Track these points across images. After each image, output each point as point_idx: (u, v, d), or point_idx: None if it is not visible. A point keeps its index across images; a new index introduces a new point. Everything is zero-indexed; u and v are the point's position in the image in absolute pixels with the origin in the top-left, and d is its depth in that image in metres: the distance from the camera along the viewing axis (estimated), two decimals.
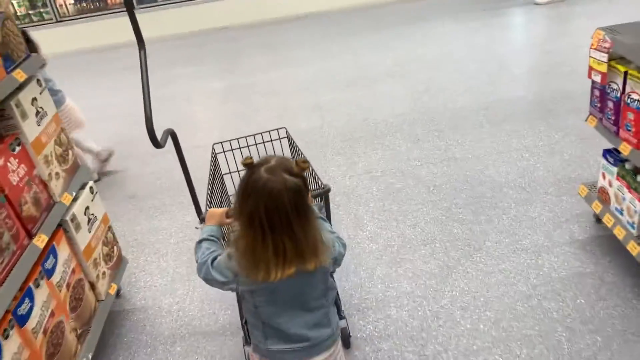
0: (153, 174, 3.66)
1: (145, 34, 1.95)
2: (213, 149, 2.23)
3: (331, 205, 2.93)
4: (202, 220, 1.67)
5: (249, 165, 1.26)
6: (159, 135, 1.79)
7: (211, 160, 2.16)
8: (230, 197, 2.28)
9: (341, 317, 2.02)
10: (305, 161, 1.26)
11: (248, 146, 2.17)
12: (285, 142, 2.25)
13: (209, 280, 1.37)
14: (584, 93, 2.41)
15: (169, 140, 1.92)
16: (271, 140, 2.21)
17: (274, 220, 1.19)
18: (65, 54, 6.57)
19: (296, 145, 2.20)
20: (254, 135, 2.25)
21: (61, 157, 2.08)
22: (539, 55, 4.84)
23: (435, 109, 3.94)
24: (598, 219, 2.50)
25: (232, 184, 2.28)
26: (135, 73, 2.17)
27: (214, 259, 1.36)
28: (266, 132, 2.25)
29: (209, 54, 6.16)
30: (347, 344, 2.08)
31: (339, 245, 1.42)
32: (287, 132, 2.27)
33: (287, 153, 2.21)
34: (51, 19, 7.24)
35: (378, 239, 2.67)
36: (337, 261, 1.41)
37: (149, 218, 3.17)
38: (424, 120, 3.80)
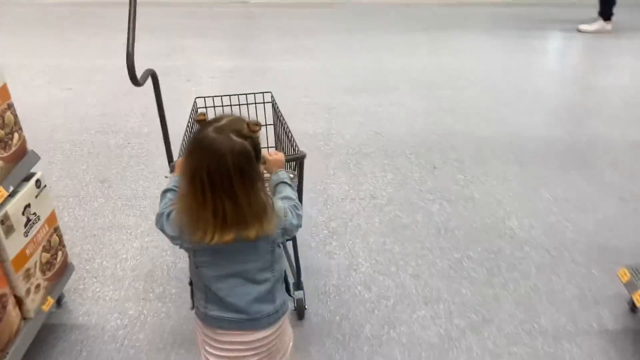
0: (133, 157, 3.25)
1: None
2: (195, 102, 2.21)
3: (324, 232, 2.58)
4: (172, 169, 1.61)
5: (201, 122, 1.23)
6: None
7: (191, 113, 2.16)
8: None
9: (299, 288, 2.05)
10: (257, 123, 1.22)
11: (231, 105, 2.18)
12: (269, 107, 2.26)
13: (162, 231, 1.33)
14: (626, 144, 1.99)
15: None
16: (255, 103, 2.21)
17: (215, 181, 1.15)
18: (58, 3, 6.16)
19: (280, 114, 2.16)
20: (238, 95, 2.24)
21: (1, 142, 1.67)
22: (578, 90, 4.40)
23: (458, 134, 3.52)
24: (633, 307, 2.11)
25: None
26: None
27: (170, 211, 1.31)
28: (251, 94, 2.22)
29: (221, 29, 5.68)
30: (301, 315, 2.08)
31: (292, 215, 1.34)
32: (272, 96, 2.26)
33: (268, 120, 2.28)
34: None
35: (372, 286, 2.27)
36: (287, 232, 1.34)
37: (115, 211, 2.77)
38: (444, 145, 3.38)
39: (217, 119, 1.21)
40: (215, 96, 2.19)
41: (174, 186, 1.38)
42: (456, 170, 3.11)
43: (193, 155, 1.19)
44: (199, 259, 1.30)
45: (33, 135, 2.25)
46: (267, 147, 2.29)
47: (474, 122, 3.70)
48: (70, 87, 4.22)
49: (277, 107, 2.21)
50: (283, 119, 2.12)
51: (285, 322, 1.43)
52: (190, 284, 1.54)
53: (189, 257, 1.37)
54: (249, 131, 1.20)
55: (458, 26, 5.77)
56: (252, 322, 1.33)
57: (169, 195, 1.38)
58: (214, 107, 2.09)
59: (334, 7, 6.47)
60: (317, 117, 3.75)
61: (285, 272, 1.43)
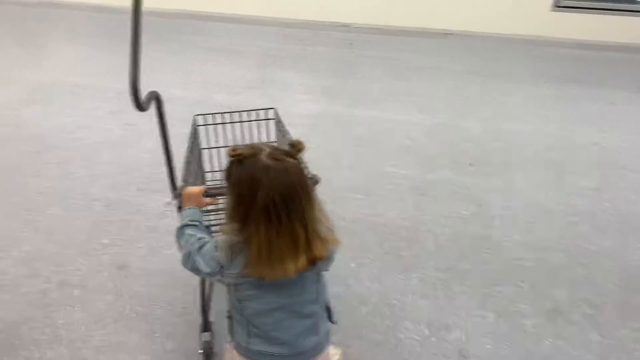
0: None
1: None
2: (194, 119, 2.03)
3: None
4: (176, 196, 1.56)
5: (238, 155, 1.18)
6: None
7: (191, 132, 1.97)
8: (206, 175, 2.23)
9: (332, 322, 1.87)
10: (300, 142, 1.21)
11: (232, 122, 2.08)
12: (272, 124, 2.12)
13: (195, 270, 1.31)
14: None
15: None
16: (257, 120, 2.09)
17: (290, 208, 1.14)
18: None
19: (285, 131, 1.98)
20: (239, 112, 2.10)
21: None
22: None
23: (600, 260, 2.52)
24: None
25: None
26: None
27: (200, 247, 1.29)
28: (253, 110, 2.07)
29: (314, 58, 4.91)
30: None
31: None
32: (276, 113, 2.09)
33: (270, 137, 2.12)
34: None
35: None
36: (331, 258, 1.31)
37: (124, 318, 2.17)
38: (575, 276, 2.42)
39: (258, 150, 1.19)
40: (216, 113, 2.09)
41: (190, 220, 1.38)
42: (589, 325, 2.17)
43: (258, 191, 1.13)
44: (243, 293, 1.27)
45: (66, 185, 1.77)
46: None
47: (624, 240, 2.67)
48: (133, 123, 3.59)
49: (282, 125, 2.03)
50: (289, 137, 1.95)
51: (327, 352, 1.40)
52: (229, 317, 1.42)
53: (228, 291, 1.35)
54: (295, 151, 1.20)
55: (608, 83, 4.55)
56: (296, 357, 1.31)
57: (187, 231, 1.36)
58: (215, 124, 2.06)
59: (449, 38, 5.49)
60: (404, 198, 2.93)
61: (327, 299, 1.39)
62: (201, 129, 2.08)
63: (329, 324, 1.42)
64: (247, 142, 2.04)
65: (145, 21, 1.43)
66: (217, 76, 4.33)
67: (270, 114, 2.10)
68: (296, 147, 1.20)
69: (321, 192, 1.41)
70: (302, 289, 1.29)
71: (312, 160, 1.49)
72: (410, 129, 3.66)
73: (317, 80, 4.46)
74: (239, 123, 2.10)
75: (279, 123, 2.07)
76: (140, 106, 1.42)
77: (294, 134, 1.60)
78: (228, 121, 2.11)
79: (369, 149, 3.42)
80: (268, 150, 1.18)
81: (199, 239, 1.32)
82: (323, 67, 4.73)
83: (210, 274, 1.27)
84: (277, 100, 4.06)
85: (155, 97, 1.60)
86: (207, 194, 1.48)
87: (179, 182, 1.72)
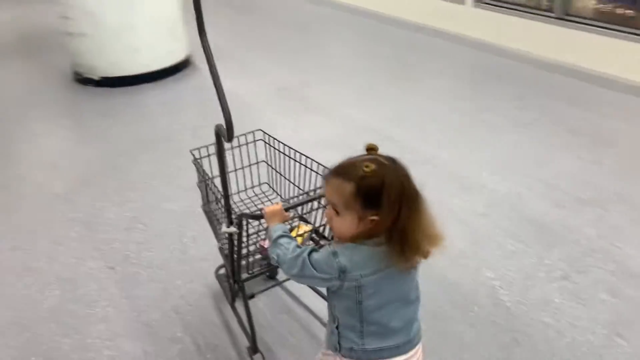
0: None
1: None
2: (192, 153, 2.06)
3: None
4: (235, 224, 1.71)
5: (373, 172, 1.25)
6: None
7: (198, 164, 2.04)
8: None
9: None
10: (375, 145, 1.31)
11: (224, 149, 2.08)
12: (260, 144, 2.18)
13: (304, 277, 1.36)
14: None
15: None
16: (247, 144, 2.17)
17: (411, 205, 1.24)
18: None
19: (275, 147, 2.10)
20: None
21: None
22: None
23: None
24: None
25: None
26: None
27: (309, 254, 1.34)
28: (242, 135, 2.13)
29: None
30: None
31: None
32: (263, 134, 2.17)
33: (261, 156, 2.19)
34: None
35: None
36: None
37: None
38: None
39: (368, 160, 1.26)
40: (210, 145, 2.03)
41: (283, 232, 1.44)
42: None
43: (402, 192, 1.24)
44: (365, 293, 1.32)
45: None
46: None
47: None
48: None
49: (272, 143, 2.13)
50: (281, 151, 2.10)
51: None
52: (337, 327, 1.44)
53: (338, 297, 1.37)
54: (374, 152, 1.30)
55: None
56: (409, 344, 1.39)
57: (284, 240, 1.41)
58: (208, 155, 2.05)
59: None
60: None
61: None
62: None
63: None
64: (242, 164, 2.15)
65: None
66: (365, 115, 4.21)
67: (258, 135, 2.17)
68: (374, 149, 1.31)
69: None
70: (411, 277, 1.38)
71: None
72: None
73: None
74: (230, 150, 2.11)
75: (267, 142, 2.16)
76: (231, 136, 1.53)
77: None
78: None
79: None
80: (381, 160, 1.27)
81: (298, 246, 1.40)
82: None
83: (327, 280, 1.32)
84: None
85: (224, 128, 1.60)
86: (287, 207, 1.57)
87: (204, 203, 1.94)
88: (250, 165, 2.18)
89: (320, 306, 2.17)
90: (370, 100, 4.42)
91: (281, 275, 2.32)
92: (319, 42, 6.03)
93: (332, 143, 3.57)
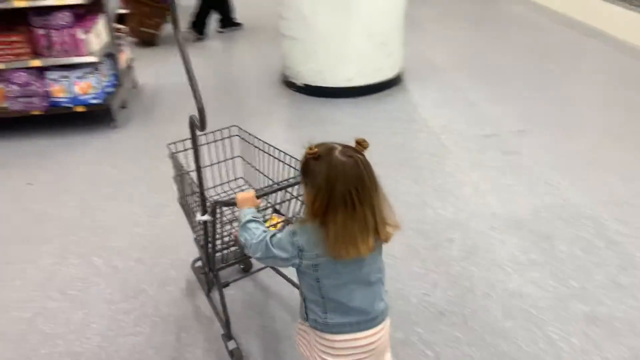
0: None
1: None
2: (168, 147, 2.11)
3: None
4: (209, 212, 1.74)
5: (316, 154, 1.34)
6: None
7: (174, 158, 2.10)
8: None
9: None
10: (365, 140, 1.37)
11: (200, 145, 2.05)
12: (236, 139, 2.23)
13: (268, 258, 1.45)
14: None
15: None
16: (222, 139, 2.20)
17: (362, 195, 1.30)
18: None
19: (251, 142, 2.15)
20: (205, 133, 2.10)
21: None
22: None
23: None
24: None
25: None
26: None
27: (272, 236, 1.44)
28: (218, 130, 2.17)
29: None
30: None
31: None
32: (239, 129, 2.22)
33: (237, 151, 2.26)
34: None
35: None
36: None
37: None
38: None
39: (331, 148, 1.34)
40: (185, 139, 2.03)
41: (253, 216, 1.52)
42: None
43: (336, 181, 1.30)
44: (322, 272, 1.41)
45: None
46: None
47: None
48: None
49: (247, 139, 2.19)
50: (257, 147, 2.14)
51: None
52: (304, 299, 1.54)
53: (301, 274, 1.47)
54: (361, 148, 1.37)
55: None
56: (372, 322, 1.47)
57: (252, 225, 1.50)
58: (185, 150, 2.10)
59: None
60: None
61: None
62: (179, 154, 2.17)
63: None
64: (218, 159, 2.20)
65: None
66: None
67: (234, 130, 2.21)
68: (362, 145, 1.37)
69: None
70: (370, 261, 1.43)
71: None
72: None
73: None
74: (206, 145, 2.16)
75: (243, 138, 2.22)
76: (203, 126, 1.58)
77: None
78: (201, 144, 2.15)
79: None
80: (341, 148, 1.34)
81: (264, 230, 1.49)
82: None
83: (287, 259, 1.42)
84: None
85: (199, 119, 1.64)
86: (258, 195, 1.63)
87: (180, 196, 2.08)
88: (225, 160, 2.25)
89: (292, 295, 2.25)
90: (600, 171, 3.21)
91: (255, 266, 2.42)
92: (562, 80, 4.71)
93: (522, 225, 2.76)
